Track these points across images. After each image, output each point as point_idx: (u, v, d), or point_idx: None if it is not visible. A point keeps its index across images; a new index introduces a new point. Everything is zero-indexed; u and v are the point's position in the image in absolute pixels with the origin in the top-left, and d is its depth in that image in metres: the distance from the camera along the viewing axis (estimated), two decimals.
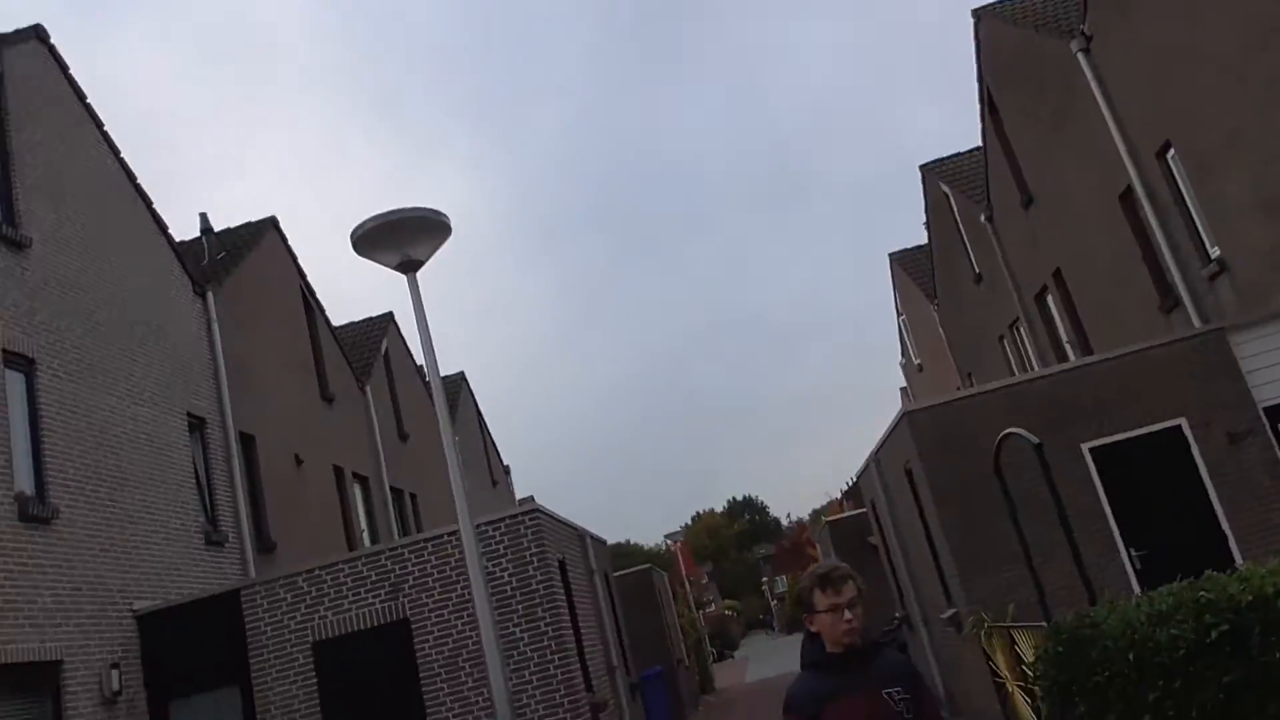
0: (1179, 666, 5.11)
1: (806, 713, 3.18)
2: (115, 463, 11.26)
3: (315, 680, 10.60)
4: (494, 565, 10.60)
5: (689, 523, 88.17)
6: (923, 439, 10.76)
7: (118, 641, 10.52)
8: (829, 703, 3.16)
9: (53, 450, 10.25)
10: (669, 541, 35.55)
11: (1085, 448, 10.47)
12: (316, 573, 10.91)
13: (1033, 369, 17.90)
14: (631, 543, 64.81)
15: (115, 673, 10.26)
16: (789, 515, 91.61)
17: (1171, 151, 12.32)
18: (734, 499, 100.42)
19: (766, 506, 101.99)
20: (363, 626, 10.65)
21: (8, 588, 9.14)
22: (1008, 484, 8.37)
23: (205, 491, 13.30)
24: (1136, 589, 9.35)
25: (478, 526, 10.69)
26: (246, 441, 14.64)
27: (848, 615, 3.23)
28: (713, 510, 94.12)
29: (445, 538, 10.75)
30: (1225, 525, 10.14)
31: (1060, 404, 10.58)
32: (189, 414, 13.20)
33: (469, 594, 10.24)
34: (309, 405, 17.52)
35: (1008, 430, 7.98)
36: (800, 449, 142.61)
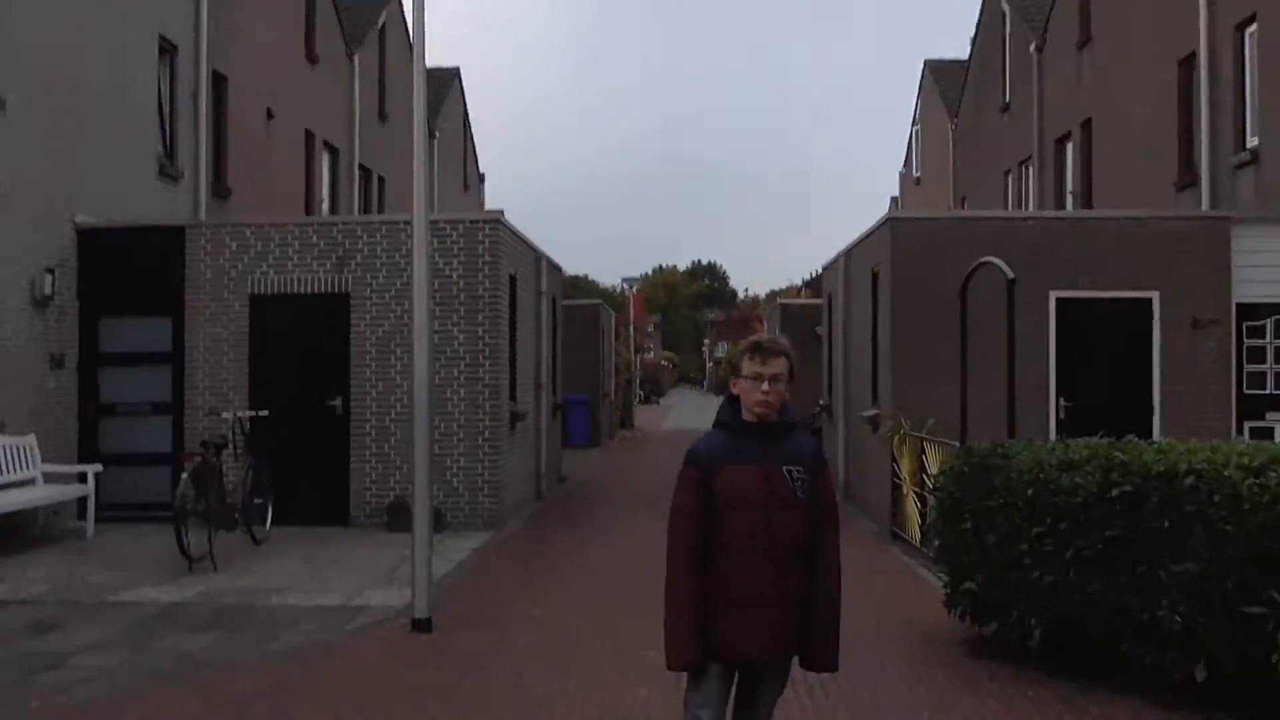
0: (1072, 512, 5.32)
1: (703, 467, 3.22)
2: (75, 70, 10.67)
3: (247, 329, 10.70)
4: (445, 264, 10.55)
5: (649, 273, 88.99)
6: (900, 247, 10.66)
7: (55, 250, 10.41)
8: (728, 464, 3.19)
9: (5, 33, 9.62)
10: (625, 285, 35.82)
11: (1053, 295, 10.51)
12: (265, 229, 10.77)
13: (1028, 210, 17.68)
14: (589, 278, 65.29)
15: (49, 278, 10.21)
16: (746, 289, 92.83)
17: (1253, 27, 11.58)
18: (698, 261, 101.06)
19: (727, 276, 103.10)
20: (303, 291, 10.67)
21: None
22: (967, 309, 8.37)
23: (166, 122, 12.79)
24: (1054, 437, 9.67)
25: (436, 223, 10.59)
26: (218, 81, 13.97)
27: (766, 386, 3.20)
28: (675, 267, 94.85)
29: (401, 225, 10.59)
30: (1156, 400, 10.42)
31: (1043, 248, 10.49)
32: (161, 36, 12.45)
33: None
34: (290, 61, 16.66)
35: (987, 258, 7.88)
36: (776, 231, 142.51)
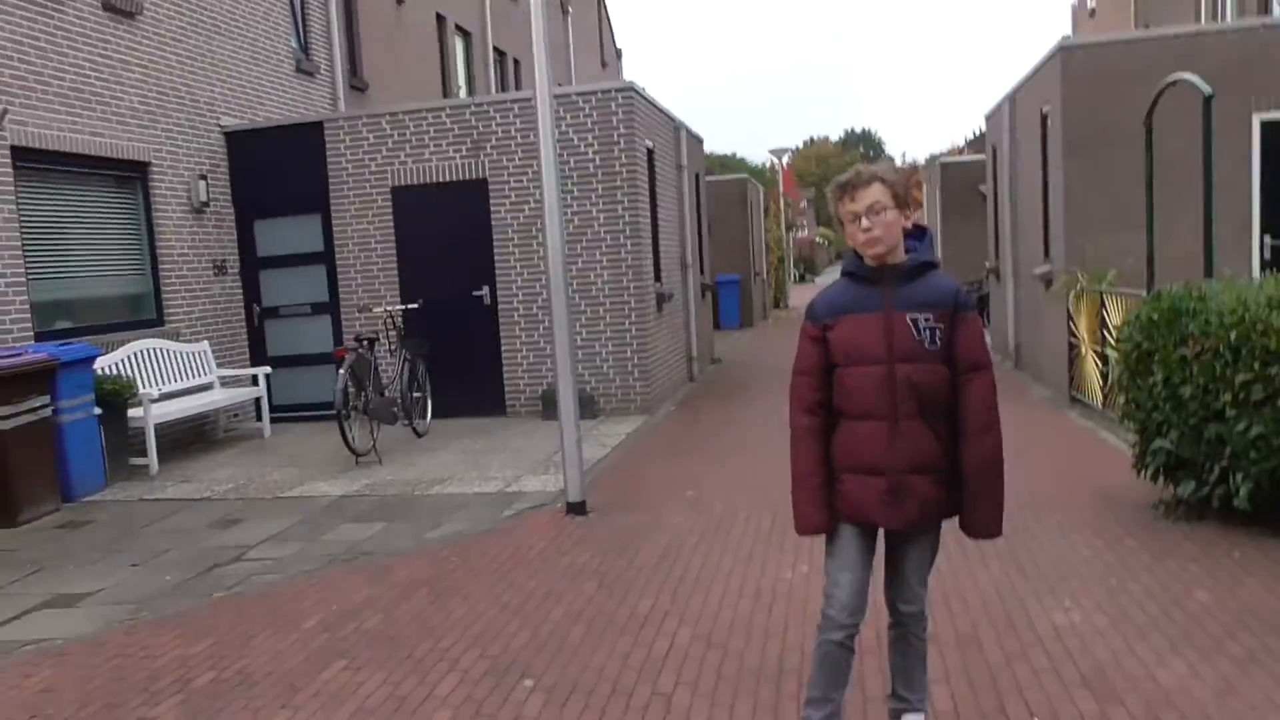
0: None
1: (820, 321, 2.96)
2: None
3: (392, 222, 10.86)
4: (578, 139, 10.30)
5: (800, 146, 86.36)
6: (1071, 80, 9.69)
7: (205, 155, 10.75)
8: (843, 315, 2.92)
9: None
10: (774, 159, 34.63)
11: (1257, 118, 9.38)
12: (400, 116, 10.75)
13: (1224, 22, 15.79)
14: (736, 156, 63.85)
15: (203, 184, 10.59)
16: (904, 155, 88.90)
17: None
18: (851, 130, 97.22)
19: (883, 143, 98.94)
20: (441, 179, 10.68)
21: (94, 79, 9.17)
22: (1154, 142, 7.52)
23: (299, 17, 12.93)
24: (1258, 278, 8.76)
25: (567, 96, 10.34)
26: None
27: (865, 224, 2.88)
28: (827, 139, 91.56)
29: (534, 102, 10.34)
30: None
31: (1243, 64, 9.31)
32: None
33: None
34: None
35: (1176, 75, 6.99)
36: (934, 91, 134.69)
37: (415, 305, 10.43)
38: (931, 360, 2.87)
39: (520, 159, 10.50)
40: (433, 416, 10.21)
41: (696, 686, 3.82)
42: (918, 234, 2.96)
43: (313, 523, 6.80)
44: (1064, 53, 9.86)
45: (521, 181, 10.52)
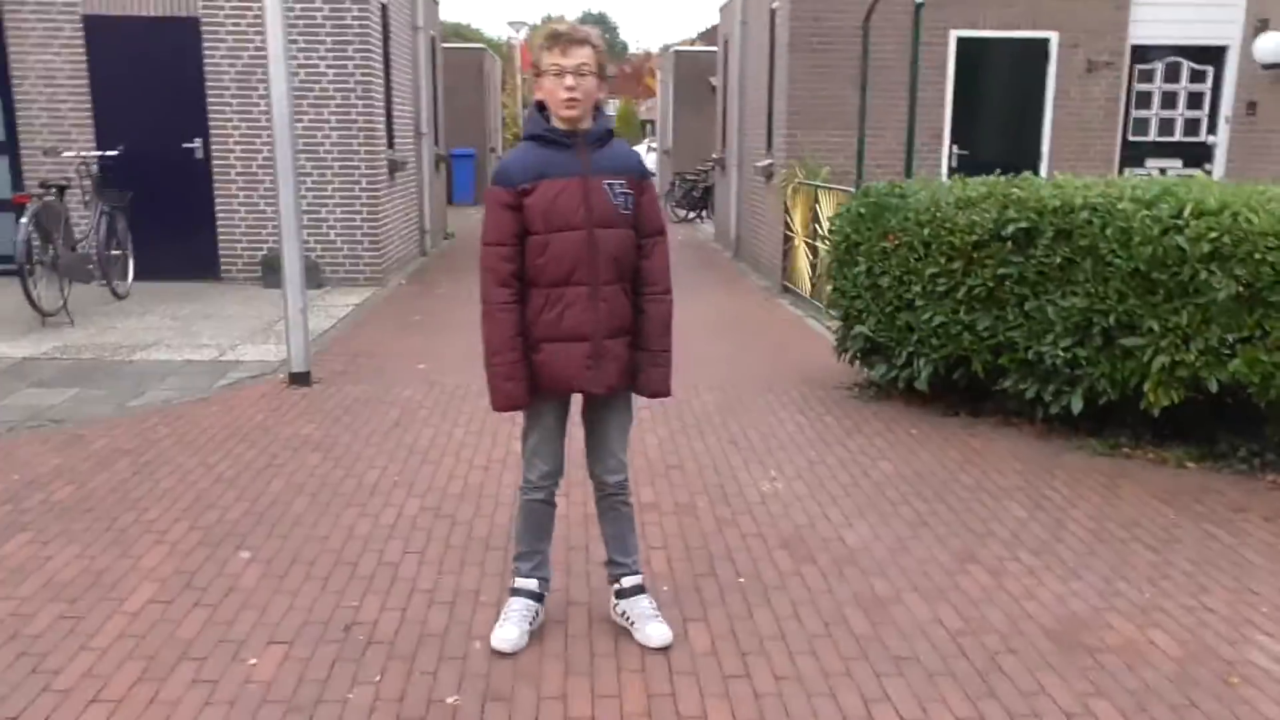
0: (966, 250, 5.20)
1: (516, 185, 2.83)
2: None
3: (85, 57, 9.47)
4: None
5: (538, 23, 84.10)
6: None
7: None
8: (540, 179, 2.81)
9: None
10: (512, 33, 33.56)
11: (953, 34, 10.10)
12: None
13: None
14: (471, 27, 61.32)
15: None
16: (638, 43, 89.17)
17: None
18: (587, 12, 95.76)
19: (617, 28, 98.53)
20: (145, 12, 9.43)
21: None
22: (869, 48, 7.91)
23: None
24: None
25: None
26: None
27: (570, 81, 2.78)
28: (563, 17, 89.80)
29: None
30: (1045, 148, 10.35)
31: None
32: None
33: None
34: None
35: None
36: None
37: (114, 153, 9.24)
38: (624, 225, 2.87)
39: (232, 9, 9.44)
40: (135, 278, 9.23)
41: (424, 555, 3.76)
42: (596, 105, 2.90)
43: None
44: None
45: (240, 24, 9.49)
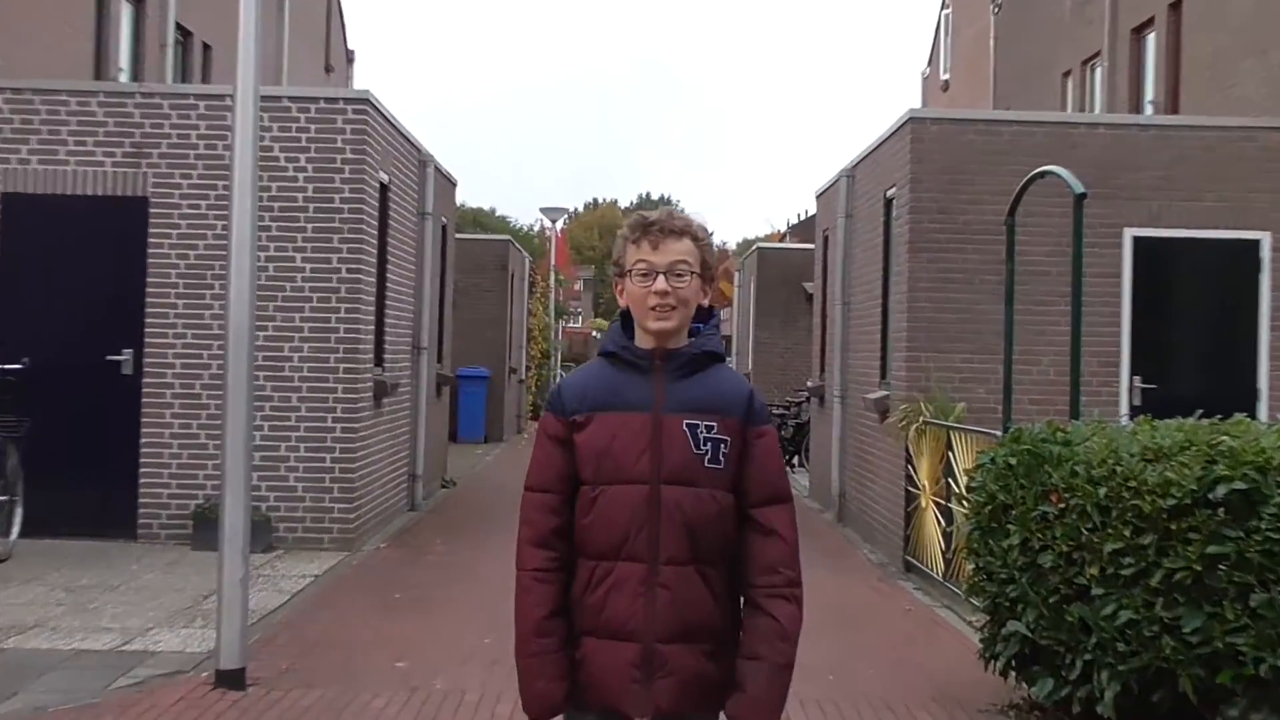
0: (1159, 520, 5.10)
1: (569, 413, 2.88)
2: None
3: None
4: (288, 160, 10.15)
5: (579, 209, 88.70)
6: (923, 159, 10.47)
7: None
8: (598, 410, 2.85)
9: None
10: (545, 221, 35.26)
11: (1129, 234, 10.42)
12: (26, 96, 10.21)
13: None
14: (496, 213, 64.98)
15: None
16: (710, 235, 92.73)
17: None
18: (645, 195, 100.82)
19: None
20: (81, 190, 10.19)
21: None
22: (1016, 246, 8.17)
23: None
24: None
25: (278, 100, 10.18)
26: None
27: (662, 285, 2.84)
28: (613, 202, 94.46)
29: (227, 99, 10.05)
30: (1263, 381, 10.40)
31: (1114, 168, 10.39)
32: None
33: None
34: None
35: (1045, 168, 7.67)
36: (755, 163, 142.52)
37: (16, 366, 9.65)
38: (711, 484, 2.84)
39: (200, 175, 10.20)
40: (22, 533, 9.41)
41: None
42: (704, 315, 2.97)
43: None
44: (914, 124, 10.66)
45: (199, 206, 10.18)
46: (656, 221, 2.90)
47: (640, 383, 2.87)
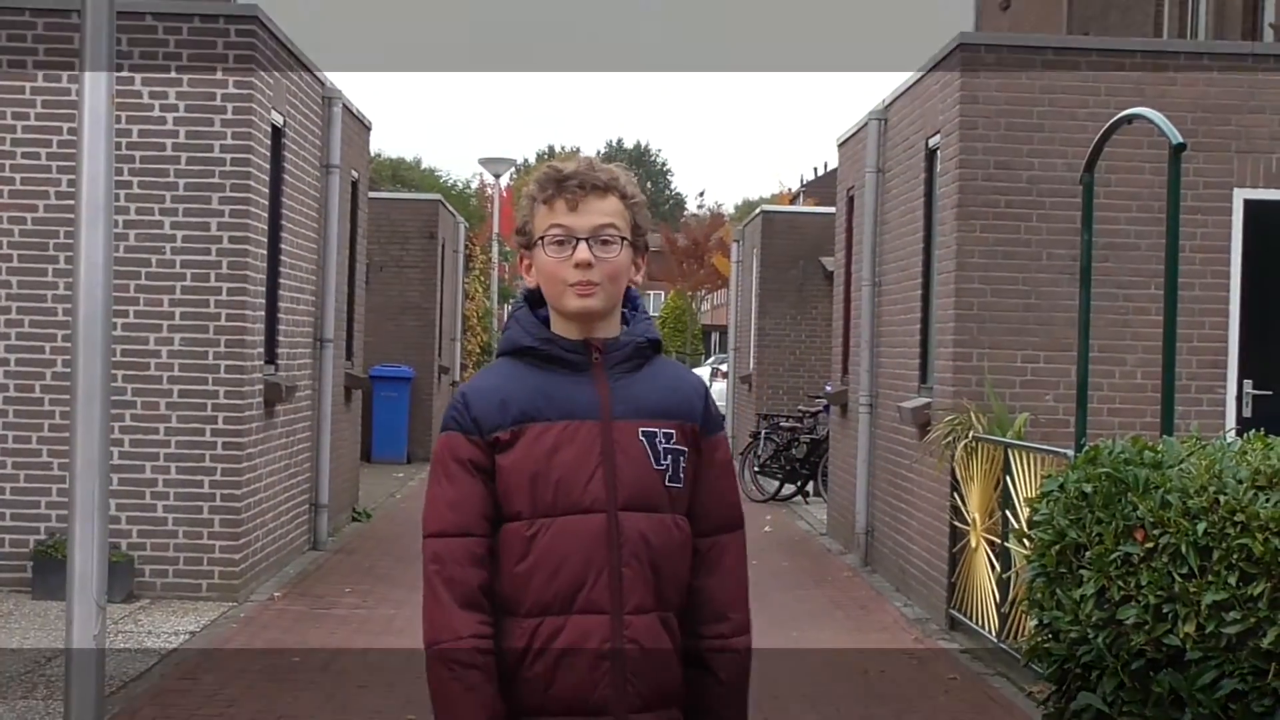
0: (1274, 564, 5.20)
1: (487, 431, 2.81)
2: None
3: None
4: (153, 95, 10.20)
5: (529, 161, 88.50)
6: (976, 98, 10.49)
7: None
8: (532, 423, 2.81)
9: None
10: (487, 176, 35.20)
11: (1240, 196, 10.47)
12: None
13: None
14: (424, 166, 65.06)
15: None
16: (702, 196, 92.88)
17: None
18: (617, 144, 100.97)
19: (669, 172, 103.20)
20: None
21: None
22: (1093, 210, 8.26)
23: None
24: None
25: (139, 15, 10.18)
26: None
27: (583, 255, 2.81)
28: (575, 152, 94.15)
29: (73, 16, 10.09)
30: None
31: (1223, 111, 10.43)
32: None
33: None
34: None
35: (1133, 110, 7.74)
36: (760, 97, 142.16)
37: None
38: (672, 507, 2.85)
39: (39, 115, 10.22)
40: None
41: None
42: (624, 296, 2.96)
43: None
44: (965, 51, 10.70)
45: (38, 156, 10.22)
46: (574, 175, 2.86)
47: (576, 383, 2.85)
